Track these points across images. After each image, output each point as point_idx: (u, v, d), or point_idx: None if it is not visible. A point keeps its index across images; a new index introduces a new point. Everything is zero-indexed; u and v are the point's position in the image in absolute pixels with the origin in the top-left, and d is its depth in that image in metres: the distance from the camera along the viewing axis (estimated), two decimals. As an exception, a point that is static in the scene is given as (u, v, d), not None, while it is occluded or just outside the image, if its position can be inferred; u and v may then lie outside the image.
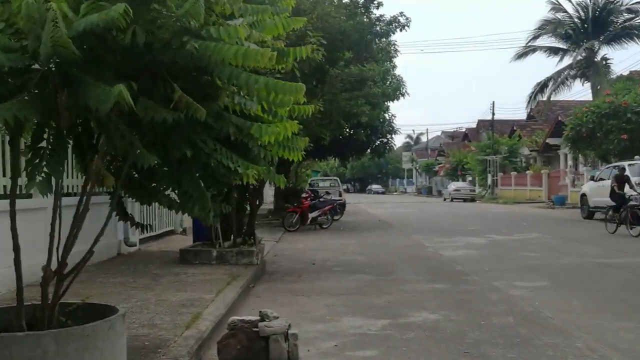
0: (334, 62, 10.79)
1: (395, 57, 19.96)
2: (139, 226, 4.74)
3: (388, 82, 11.06)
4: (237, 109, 3.73)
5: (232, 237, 10.54)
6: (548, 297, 7.92)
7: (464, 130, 73.03)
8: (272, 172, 4.24)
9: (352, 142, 21.22)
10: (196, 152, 3.73)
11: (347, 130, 20.98)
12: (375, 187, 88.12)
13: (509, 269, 10.51)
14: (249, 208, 11.04)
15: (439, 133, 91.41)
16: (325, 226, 20.13)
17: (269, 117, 4.11)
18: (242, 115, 3.86)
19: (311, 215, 19.76)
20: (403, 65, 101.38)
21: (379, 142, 22.51)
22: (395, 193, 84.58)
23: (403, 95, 22.22)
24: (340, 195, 28.29)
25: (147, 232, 13.67)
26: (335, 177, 35.86)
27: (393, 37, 18.39)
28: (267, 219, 22.62)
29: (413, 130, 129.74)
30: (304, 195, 20.39)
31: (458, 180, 56.35)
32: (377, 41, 11.19)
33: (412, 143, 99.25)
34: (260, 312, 5.12)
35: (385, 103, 11.64)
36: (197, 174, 3.96)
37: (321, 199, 21.22)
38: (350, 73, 10.41)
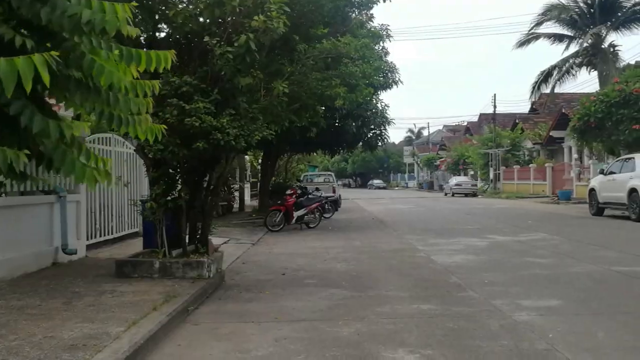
0: (308, 40, 9.01)
1: (385, 40, 18.25)
2: None
3: (372, 62, 9.35)
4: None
5: (183, 244, 8.82)
6: (564, 324, 6.17)
7: (465, 124, 71.51)
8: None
9: (342, 134, 19.49)
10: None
11: (336, 121, 19.29)
12: (376, 182, 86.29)
13: (514, 281, 8.77)
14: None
15: (440, 127, 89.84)
16: (312, 225, 18.41)
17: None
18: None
19: (296, 214, 18.03)
20: (402, 58, 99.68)
21: (371, 134, 20.74)
22: (396, 188, 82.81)
23: (396, 83, 20.56)
24: (333, 192, 26.49)
25: (100, 236, 12.03)
26: (329, 172, 34.03)
27: (381, 17, 16.72)
28: (250, 217, 20.91)
29: (414, 125, 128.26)
30: (288, 192, 18.63)
31: (459, 175, 54.54)
32: (356, 13, 9.48)
33: (414, 137, 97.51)
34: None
35: (369, 86, 9.91)
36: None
37: (309, 196, 19.46)
38: (323, 48, 8.63)
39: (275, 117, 9.09)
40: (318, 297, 7.78)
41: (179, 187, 8.67)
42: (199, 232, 9.07)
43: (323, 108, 13.77)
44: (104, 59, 2.27)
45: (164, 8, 8.32)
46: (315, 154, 26.53)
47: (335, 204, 24.52)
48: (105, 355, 4.63)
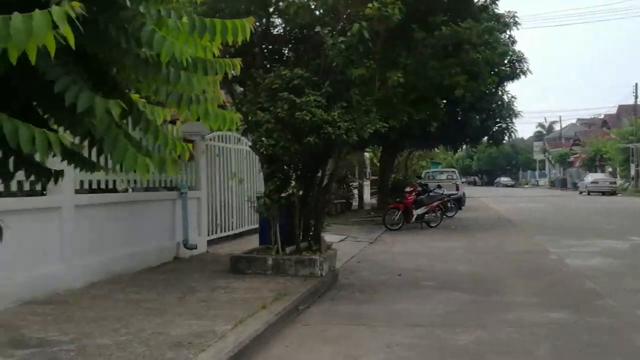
0: (426, 27, 8.52)
1: (511, 28, 17.13)
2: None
3: (496, 48, 8.61)
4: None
5: (296, 241, 8.67)
6: None
7: (602, 117, 66.50)
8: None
9: (465, 128, 18.58)
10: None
11: (458, 114, 18.45)
12: (503, 179, 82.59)
13: (663, 290, 7.74)
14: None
15: (573, 121, 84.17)
16: (433, 225, 17.73)
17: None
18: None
19: (416, 212, 17.44)
20: (530, 47, 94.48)
21: (496, 127, 19.59)
22: (525, 186, 78.80)
23: (524, 73, 19.27)
24: (457, 189, 25.50)
25: (221, 232, 12.25)
26: (452, 169, 32.84)
27: (506, 2, 15.69)
28: (368, 216, 20.59)
29: (545, 119, 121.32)
30: (408, 189, 18.06)
31: (596, 172, 50.72)
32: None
33: (544, 132, 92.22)
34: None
35: (493, 75, 9.17)
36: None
37: (430, 194, 18.78)
38: (442, 36, 8.09)
39: (391, 110, 8.68)
40: (436, 300, 7.28)
41: (292, 183, 8.52)
42: (312, 229, 8.86)
43: (444, 101, 13.15)
44: (172, 28, 2.02)
45: (276, 0, 8.20)
46: (436, 149, 25.64)
47: (459, 202, 23.58)
48: (208, 356, 4.49)
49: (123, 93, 2.10)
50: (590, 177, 46.34)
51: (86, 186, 7.75)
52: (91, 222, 7.69)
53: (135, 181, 9.21)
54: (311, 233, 8.83)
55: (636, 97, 47.32)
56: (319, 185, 8.83)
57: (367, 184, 30.54)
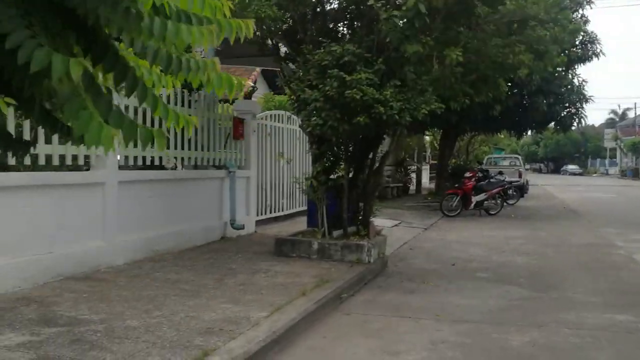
0: (489, 2, 7.92)
1: (584, 7, 16.06)
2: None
3: (565, 25, 7.91)
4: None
5: (344, 225, 8.34)
6: None
7: (682, 103, 62.72)
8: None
9: (530, 112, 17.63)
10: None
11: (524, 97, 17.54)
12: (570, 167, 79.43)
13: None
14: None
15: (650, 108, 79.94)
16: (492, 212, 17.03)
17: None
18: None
19: (475, 199, 16.78)
20: (605, 28, 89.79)
21: (564, 112, 18.51)
22: (594, 175, 75.50)
23: (597, 55, 18.12)
24: (519, 176, 24.48)
25: (271, 212, 12.06)
26: (516, 155, 31.57)
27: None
28: (425, 201, 20.02)
29: (618, 105, 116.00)
30: (467, 174, 17.38)
31: (672, 162, 47.92)
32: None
33: (617, 119, 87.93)
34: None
35: (561, 54, 8.43)
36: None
37: (491, 180, 18.04)
38: (506, 11, 7.50)
39: (449, 90, 8.16)
40: (489, 294, 6.82)
41: (341, 165, 8.17)
42: (362, 213, 8.51)
43: (509, 84, 12.37)
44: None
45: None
46: (500, 135, 24.63)
47: (521, 189, 22.64)
48: (238, 344, 4.24)
49: (116, 55, 1.80)
50: (665, 168, 43.77)
51: (131, 162, 7.65)
52: (135, 199, 7.60)
53: (183, 159, 9.10)
54: (360, 217, 8.47)
55: None
56: (369, 168, 8.44)
57: (426, 168, 29.85)
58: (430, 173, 29.28)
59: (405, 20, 6.90)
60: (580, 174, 75.16)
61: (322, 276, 6.72)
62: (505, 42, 7.85)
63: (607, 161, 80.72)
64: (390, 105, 6.91)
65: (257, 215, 11.36)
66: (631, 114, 79.50)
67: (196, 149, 9.17)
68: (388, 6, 7.03)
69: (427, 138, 28.72)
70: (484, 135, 26.62)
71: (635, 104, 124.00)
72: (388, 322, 5.56)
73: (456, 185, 17.44)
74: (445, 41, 7.68)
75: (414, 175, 25.48)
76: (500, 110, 16.18)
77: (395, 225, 13.54)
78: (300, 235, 8.38)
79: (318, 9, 8.55)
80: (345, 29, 9.00)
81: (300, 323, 5.06)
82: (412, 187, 25.20)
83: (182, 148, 8.85)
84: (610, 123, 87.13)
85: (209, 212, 9.48)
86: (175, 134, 8.61)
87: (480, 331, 5.30)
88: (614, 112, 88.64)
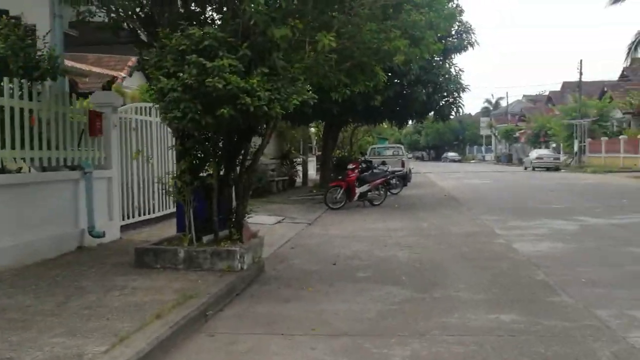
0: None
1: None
2: None
3: (441, 10, 7.60)
4: None
5: (215, 229, 7.56)
6: None
7: (547, 93, 67.32)
8: None
9: (410, 102, 17.64)
10: None
11: (404, 87, 17.50)
12: (450, 154, 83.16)
13: (619, 280, 7.03)
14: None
15: (519, 97, 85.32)
16: (376, 203, 16.89)
17: None
18: None
19: (359, 190, 16.55)
20: (478, 18, 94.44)
21: (443, 102, 18.73)
22: (472, 161, 79.45)
23: (472, 45, 18.47)
24: (402, 165, 24.73)
25: (140, 215, 11.01)
26: (398, 145, 32.00)
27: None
28: (310, 194, 19.59)
29: (492, 95, 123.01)
30: (350, 166, 17.11)
31: (541, 148, 51.18)
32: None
33: (491, 108, 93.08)
34: None
35: (438, 40, 8.13)
36: None
37: (374, 170, 17.90)
38: (380, -7, 7.02)
39: (323, 79, 7.59)
40: (369, 297, 6.34)
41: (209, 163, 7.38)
42: (234, 214, 7.77)
43: (389, 74, 12.07)
44: None
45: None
46: (382, 124, 24.69)
47: (404, 179, 22.84)
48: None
49: None
50: (535, 153, 46.59)
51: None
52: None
53: (32, 159, 7.90)
54: (234, 219, 7.73)
55: (580, 73, 47.66)
56: (241, 164, 7.70)
57: (312, 160, 29.54)
58: (317, 165, 29.00)
59: (271, 1, 6.23)
60: (459, 161, 78.84)
61: (186, 290, 5.92)
62: (380, 27, 7.40)
63: (483, 148, 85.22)
64: (258, 95, 6.20)
65: (123, 219, 10.29)
66: (504, 103, 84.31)
67: (44, 148, 7.99)
68: (253, -15, 6.30)
69: (313, 130, 28.37)
70: (367, 126, 26.68)
71: (507, 93, 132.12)
72: (257, 342, 4.88)
73: (340, 177, 17.12)
74: (318, 27, 7.10)
75: (300, 167, 25.03)
76: (381, 100, 16.04)
77: (278, 222, 12.93)
78: (166, 243, 7.48)
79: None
80: (213, 13, 8.18)
81: (149, 355, 4.25)
82: (299, 180, 24.77)
83: (26, 147, 7.65)
84: (485, 112, 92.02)
85: (61, 219, 8.32)
86: (21, 131, 7.44)
87: (359, 346, 4.75)
88: (488, 101, 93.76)
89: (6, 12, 8.57)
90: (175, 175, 7.47)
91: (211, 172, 7.41)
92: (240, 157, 7.74)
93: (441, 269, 7.87)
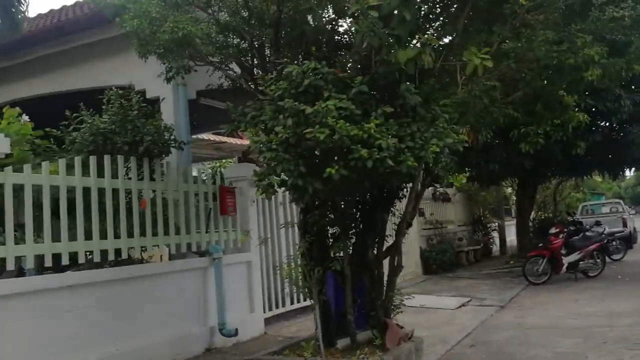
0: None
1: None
2: None
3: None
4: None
5: (350, 330, 5.67)
6: None
7: None
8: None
9: (624, 146, 14.24)
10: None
11: (613, 128, 14.27)
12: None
13: None
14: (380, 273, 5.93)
15: None
16: (591, 274, 13.58)
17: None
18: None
19: (566, 260, 13.39)
20: None
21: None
22: None
23: None
24: (624, 225, 20.58)
25: (292, 304, 9.49)
26: (617, 200, 27.20)
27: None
28: (507, 265, 16.69)
29: None
30: (552, 230, 14.08)
31: None
32: None
33: None
34: None
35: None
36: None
37: (586, 233, 14.57)
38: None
39: (485, 116, 5.50)
40: None
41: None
42: (377, 307, 5.81)
43: (593, 109, 9.26)
44: None
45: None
46: (589, 177, 20.89)
47: (628, 241, 18.86)
48: None
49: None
50: None
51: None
52: (59, 311, 5.40)
53: (156, 246, 6.90)
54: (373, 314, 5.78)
55: None
56: (378, 242, 5.78)
57: (511, 224, 26.26)
58: (516, 229, 25.69)
59: (387, 12, 4.44)
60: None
61: None
62: (561, 35, 5.18)
63: None
64: (378, 144, 4.34)
65: (271, 309, 8.85)
66: None
67: (171, 233, 6.97)
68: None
69: (509, 190, 25.30)
70: (573, 180, 22.99)
71: None
72: None
73: (540, 244, 14.15)
74: (467, 45, 5.12)
75: (496, 234, 22.12)
76: (585, 147, 13.12)
77: (462, 305, 10.58)
78: (287, 351, 5.73)
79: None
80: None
81: None
82: (496, 248, 21.83)
83: (148, 234, 6.66)
84: None
85: (184, 317, 7.08)
86: (140, 216, 6.52)
87: None
88: None
89: (131, 87, 7.89)
90: (299, 256, 5.82)
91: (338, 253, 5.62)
92: (378, 231, 5.83)
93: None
